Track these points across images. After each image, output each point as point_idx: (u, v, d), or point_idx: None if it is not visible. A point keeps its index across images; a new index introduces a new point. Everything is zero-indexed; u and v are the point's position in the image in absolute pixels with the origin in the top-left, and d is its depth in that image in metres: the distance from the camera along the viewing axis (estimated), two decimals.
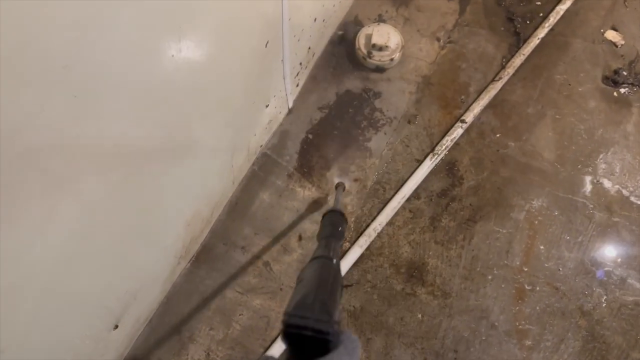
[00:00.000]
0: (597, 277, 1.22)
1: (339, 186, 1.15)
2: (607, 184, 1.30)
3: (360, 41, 1.44)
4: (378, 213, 1.28)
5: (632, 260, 1.23)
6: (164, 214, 1.01)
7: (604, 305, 1.19)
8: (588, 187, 1.30)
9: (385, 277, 1.23)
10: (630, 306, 1.19)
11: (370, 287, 1.22)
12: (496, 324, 1.18)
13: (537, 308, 1.19)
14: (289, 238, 1.28)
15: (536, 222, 1.27)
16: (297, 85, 1.41)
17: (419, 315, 1.20)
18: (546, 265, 1.23)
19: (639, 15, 1.50)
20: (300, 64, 1.33)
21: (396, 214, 1.29)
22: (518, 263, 1.23)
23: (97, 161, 0.67)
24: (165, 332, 1.19)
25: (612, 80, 1.41)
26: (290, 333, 0.40)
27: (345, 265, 1.21)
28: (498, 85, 1.40)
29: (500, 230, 1.26)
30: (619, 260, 1.23)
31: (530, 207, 1.28)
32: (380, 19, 1.52)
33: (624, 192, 1.30)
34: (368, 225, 1.27)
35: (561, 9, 1.50)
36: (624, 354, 1.15)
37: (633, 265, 1.22)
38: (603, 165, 1.32)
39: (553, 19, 1.49)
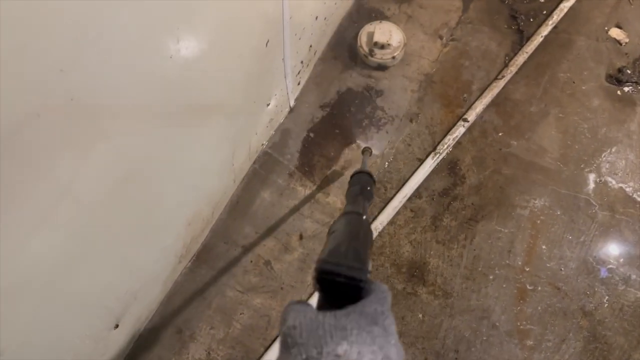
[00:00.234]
0: (600, 275, 1.21)
1: (366, 151, 1.14)
2: (610, 183, 1.30)
3: (362, 39, 1.43)
4: (379, 212, 1.28)
5: (634, 260, 1.22)
6: (165, 214, 1.01)
7: (605, 305, 1.18)
8: (591, 186, 1.30)
9: (386, 277, 1.23)
10: (632, 307, 1.18)
11: None
12: (497, 324, 1.18)
13: (539, 308, 1.19)
14: (290, 237, 1.27)
15: (538, 222, 1.26)
16: (299, 84, 1.40)
17: (420, 315, 1.19)
18: (548, 265, 1.22)
19: None
20: (302, 62, 1.32)
21: (397, 213, 1.28)
22: (520, 263, 1.23)
23: (95, 162, 0.67)
24: (166, 331, 1.19)
25: (616, 78, 1.40)
26: (323, 279, 0.41)
27: None
28: (501, 83, 1.39)
29: (502, 229, 1.26)
30: (621, 260, 1.23)
31: (533, 207, 1.28)
32: (382, 17, 1.51)
33: (627, 191, 1.29)
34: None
35: (565, 6, 1.49)
36: (626, 354, 1.15)
37: (636, 265, 1.21)
38: (606, 164, 1.31)
39: (557, 16, 1.47)
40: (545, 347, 1.16)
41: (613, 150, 1.33)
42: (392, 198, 1.29)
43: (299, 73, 1.34)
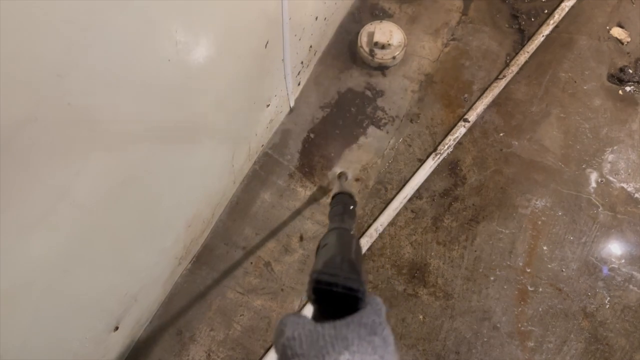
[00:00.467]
0: (602, 274, 1.20)
1: (342, 175, 1.14)
2: (611, 183, 1.29)
3: (363, 39, 1.42)
4: (380, 213, 1.27)
5: (636, 260, 1.22)
6: (164, 216, 1.01)
7: (607, 306, 1.18)
8: (592, 187, 1.29)
9: (386, 278, 1.23)
10: (633, 308, 1.18)
11: (372, 288, 1.22)
12: (498, 325, 1.18)
13: (540, 309, 1.18)
14: (290, 238, 1.27)
15: (539, 223, 1.25)
16: (299, 84, 1.39)
17: (421, 317, 1.19)
18: (549, 266, 1.22)
19: None
20: (302, 62, 1.32)
21: (398, 214, 1.28)
22: (521, 264, 1.22)
23: (94, 165, 0.67)
24: (166, 333, 1.19)
25: (618, 78, 1.39)
26: (320, 290, 0.41)
27: None
28: (502, 83, 1.39)
29: (503, 230, 1.25)
30: (622, 260, 1.22)
31: (534, 207, 1.27)
32: (383, 17, 1.51)
33: (629, 191, 1.28)
34: (370, 226, 1.26)
35: (566, 5, 1.48)
36: (627, 355, 1.14)
37: (637, 266, 1.21)
38: (608, 165, 1.31)
39: (558, 15, 1.46)
40: (547, 349, 1.15)
41: (614, 150, 1.32)
42: (392, 199, 1.28)
43: (299, 73, 1.34)
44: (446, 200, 1.29)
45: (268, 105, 1.23)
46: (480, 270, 1.22)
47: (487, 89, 1.39)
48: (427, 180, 1.31)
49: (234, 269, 1.24)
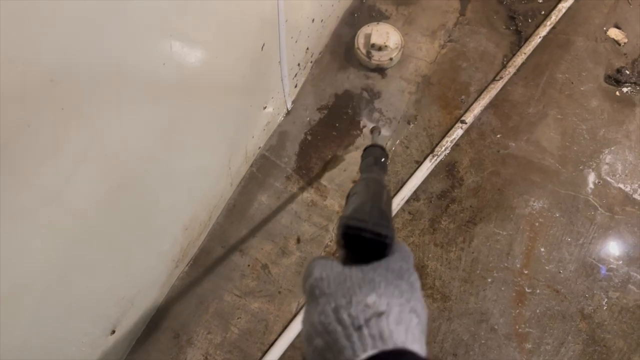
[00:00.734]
0: (600, 275, 1.20)
1: (375, 129, 1.09)
2: (609, 184, 1.29)
3: (360, 41, 1.42)
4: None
5: (633, 262, 1.22)
6: (161, 219, 1.01)
7: (605, 308, 1.18)
8: (590, 188, 1.29)
9: None
10: (631, 309, 1.18)
11: None
12: (496, 327, 1.17)
13: (537, 311, 1.18)
14: (288, 240, 1.27)
15: (537, 224, 1.25)
16: (296, 86, 1.39)
17: None
18: (547, 267, 1.22)
19: None
20: (299, 65, 1.32)
21: (395, 215, 1.28)
22: (518, 265, 1.22)
23: (89, 169, 0.67)
24: (163, 337, 1.19)
25: (615, 79, 1.39)
26: (349, 235, 0.41)
27: None
28: (499, 84, 1.39)
29: (501, 232, 1.25)
30: (620, 262, 1.22)
31: (531, 209, 1.27)
32: (379, 18, 1.51)
33: (627, 192, 1.28)
34: None
35: (563, 6, 1.48)
36: (625, 357, 1.14)
37: (635, 268, 1.21)
38: (605, 166, 1.31)
39: (555, 16, 1.46)
40: (544, 351, 1.15)
41: (612, 151, 1.32)
42: None
43: (295, 76, 1.34)
44: (443, 202, 1.29)
45: (265, 108, 1.23)
46: (478, 272, 1.22)
47: (484, 90, 1.39)
48: (425, 182, 1.31)
49: (231, 271, 1.24)
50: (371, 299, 0.33)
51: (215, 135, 1.04)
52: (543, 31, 1.45)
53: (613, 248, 1.23)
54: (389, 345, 0.30)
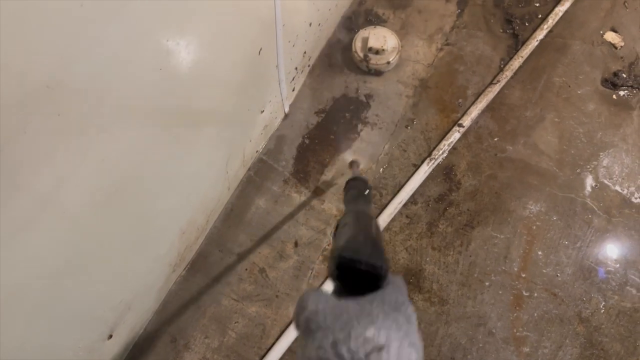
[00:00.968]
0: (597, 277, 1.20)
1: (353, 163, 1.10)
2: (606, 187, 1.29)
3: (357, 44, 1.42)
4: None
5: (630, 264, 1.22)
6: (158, 223, 1.01)
7: (602, 311, 1.18)
8: (587, 191, 1.29)
9: None
10: (628, 312, 1.18)
11: None
12: (494, 331, 1.17)
13: (535, 315, 1.18)
14: (285, 244, 1.27)
15: (534, 227, 1.26)
16: (293, 90, 1.39)
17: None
18: (544, 271, 1.22)
19: (639, 16, 1.48)
20: (296, 68, 1.32)
21: (393, 219, 1.28)
22: (516, 269, 1.22)
23: (85, 174, 0.67)
24: (160, 341, 1.19)
25: (612, 82, 1.40)
26: (343, 266, 0.41)
27: None
28: (496, 88, 1.39)
29: (498, 235, 1.25)
30: (617, 265, 1.22)
31: (529, 212, 1.27)
32: (376, 22, 1.51)
33: (624, 195, 1.28)
34: None
35: (560, 10, 1.48)
36: None
37: (632, 271, 1.21)
38: (602, 169, 1.31)
39: (552, 20, 1.47)
40: (542, 354, 1.15)
41: (609, 154, 1.32)
42: (387, 204, 1.28)
43: (293, 79, 1.34)
44: (441, 205, 1.29)
45: (262, 111, 1.23)
46: (475, 275, 1.22)
47: (481, 93, 1.39)
48: (422, 185, 1.31)
49: (228, 275, 1.24)
50: (370, 332, 0.33)
51: (212, 139, 1.04)
52: (540, 35, 1.45)
53: (610, 251, 1.23)
54: None
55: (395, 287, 0.39)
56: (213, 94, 0.93)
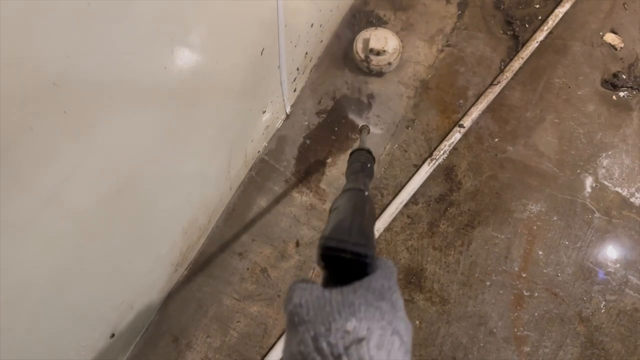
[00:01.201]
0: (597, 278, 1.21)
1: (364, 128, 1.08)
2: (606, 188, 1.30)
3: (358, 46, 1.43)
4: (376, 219, 1.28)
5: (631, 265, 1.22)
6: (160, 223, 1.01)
7: (602, 311, 1.18)
8: (587, 192, 1.30)
9: None
10: (629, 312, 1.18)
11: None
12: (494, 330, 1.18)
13: (536, 314, 1.19)
14: (287, 244, 1.27)
15: (535, 228, 1.26)
16: (295, 91, 1.40)
17: (417, 322, 1.19)
18: (545, 271, 1.22)
19: (638, 18, 1.48)
20: (298, 69, 1.32)
21: (394, 219, 1.28)
22: (517, 269, 1.22)
23: (88, 173, 0.67)
24: (162, 340, 1.19)
25: (611, 83, 1.40)
26: (328, 256, 0.40)
27: None
28: (496, 89, 1.39)
29: (499, 235, 1.26)
30: (618, 265, 1.23)
31: (529, 212, 1.28)
32: (378, 23, 1.52)
33: (624, 195, 1.29)
34: None
35: (560, 12, 1.49)
36: None
37: (632, 271, 1.21)
38: (602, 170, 1.32)
39: (552, 22, 1.48)
40: (542, 354, 1.16)
41: (609, 155, 1.33)
42: (388, 204, 1.29)
43: (294, 80, 1.34)
44: (442, 205, 1.30)
45: (264, 112, 1.24)
46: (476, 275, 1.22)
47: (481, 94, 1.40)
48: (423, 185, 1.31)
49: (230, 275, 1.24)
50: (351, 324, 0.32)
51: (214, 139, 1.04)
52: (540, 36, 1.46)
53: (610, 251, 1.24)
54: None
55: (383, 273, 0.38)
56: (215, 93, 0.94)
